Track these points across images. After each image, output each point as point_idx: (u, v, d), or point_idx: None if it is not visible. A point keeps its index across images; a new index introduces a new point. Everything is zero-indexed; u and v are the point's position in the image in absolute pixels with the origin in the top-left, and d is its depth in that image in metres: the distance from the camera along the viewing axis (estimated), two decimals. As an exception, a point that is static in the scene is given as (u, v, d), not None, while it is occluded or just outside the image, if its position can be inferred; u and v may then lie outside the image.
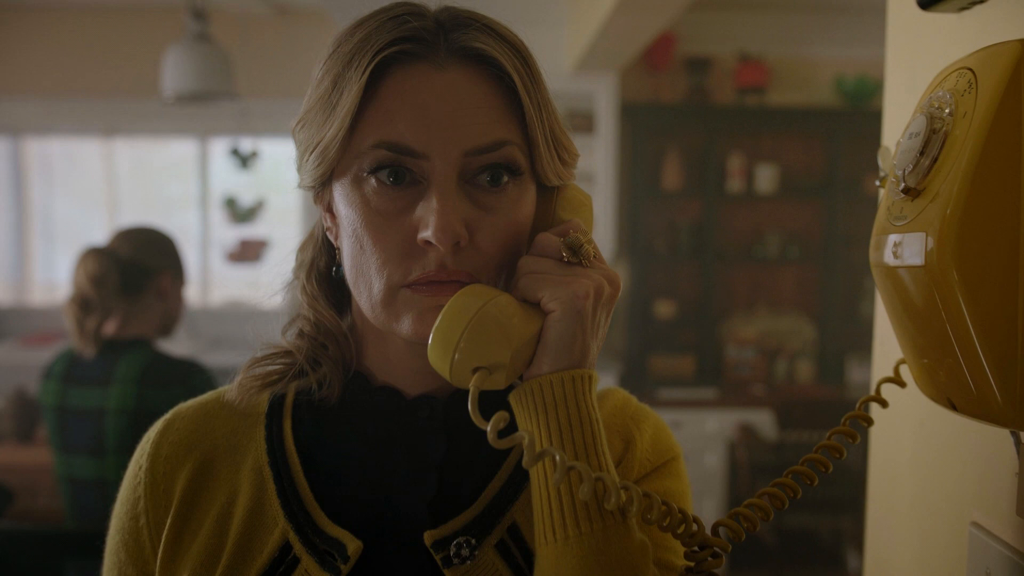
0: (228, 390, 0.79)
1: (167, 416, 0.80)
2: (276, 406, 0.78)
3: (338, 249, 0.73)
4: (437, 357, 0.64)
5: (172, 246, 2.24)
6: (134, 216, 5.04)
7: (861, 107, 4.59)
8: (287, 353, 0.78)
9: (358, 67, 0.65)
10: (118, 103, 4.89)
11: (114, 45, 4.84)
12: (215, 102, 3.36)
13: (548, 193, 0.74)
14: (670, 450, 0.81)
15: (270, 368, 0.78)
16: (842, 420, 0.73)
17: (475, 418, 0.61)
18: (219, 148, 5.09)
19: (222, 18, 4.39)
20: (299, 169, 0.73)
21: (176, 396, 0.88)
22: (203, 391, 0.84)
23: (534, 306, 0.67)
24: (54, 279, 5.15)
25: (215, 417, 0.79)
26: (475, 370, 0.64)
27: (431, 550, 0.71)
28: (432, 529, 0.72)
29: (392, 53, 0.65)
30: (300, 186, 0.74)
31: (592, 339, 0.67)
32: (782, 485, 0.72)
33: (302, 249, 0.81)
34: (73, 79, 4.86)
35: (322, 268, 0.79)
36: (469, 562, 0.71)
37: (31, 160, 5.13)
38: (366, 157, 0.66)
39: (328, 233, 0.76)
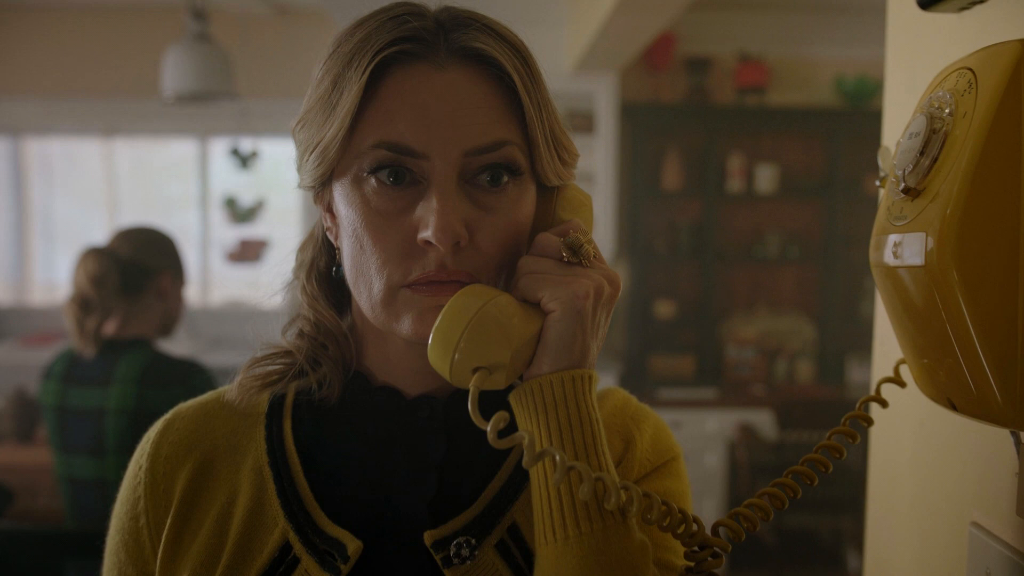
0: (228, 390, 0.79)
1: (167, 416, 0.80)
2: (276, 406, 0.78)
3: (338, 249, 0.73)
4: (437, 357, 0.64)
5: (172, 246, 2.24)
6: (134, 216, 5.04)
7: (861, 107, 4.59)
8: (287, 353, 0.78)
9: (358, 67, 0.65)
10: (118, 103, 4.89)
11: (114, 45, 4.84)
12: (215, 102, 3.36)
13: (548, 193, 0.74)
14: (670, 450, 0.81)
15: (270, 368, 0.78)
16: (842, 420, 0.73)
17: (475, 418, 0.61)
18: (219, 148, 5.09)
19: (222, 18, 4.38)
20: (299, 169, 0.73)
21: (176, 396, 0.88)
22: (203, 391, 0.84)
23: (534, 306, 0.66)
24: (54, 279, 5.15)
25: (215, 417, 0.79)
26: (475, 370, 0.63)
27: (431, 550, 0.71)
28: (432, 529, 0.71)
29: (392, 53, 0.65)
30: (300, 186, 0.74)
31: (592, 339, 0.67)
32: (782, 485, 0.72)
33: (302, 249, 0.81)
34: (73, 79, 4.86)
35: (322, 268, 0.79)
36: (469, 562, 0.71)
37: (31, 160, 5.12)
38: (366, 157, 0.66)
39: (328, 233, 0.76)
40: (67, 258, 5.14)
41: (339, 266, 0.74)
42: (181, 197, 5.21)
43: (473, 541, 0.71)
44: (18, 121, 4.97)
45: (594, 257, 0.69)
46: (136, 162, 5.22)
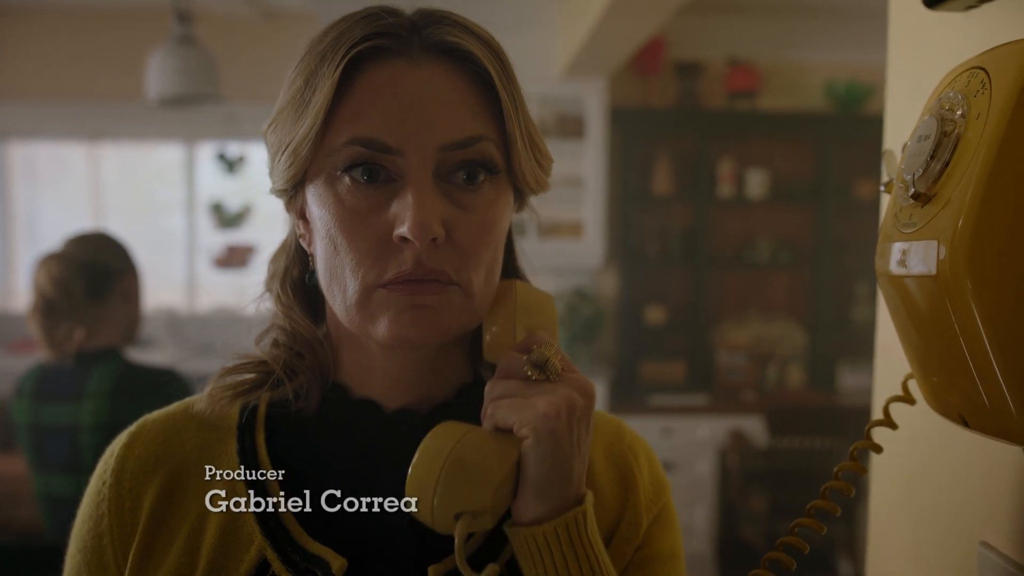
0: (197, 400, 0.75)
1: (131, 429, 0.77)
2: (248, 418, 0.75)
3: (312, 256, 0.72)
4: (416, 503, 0.62)
5: (127, 249, 2.17)
6: (121, 221, 4.99)
7: (852, 112, 4.59)
8: (261, 363, 0.76)
9: (331, 63, 0.64)
10: (104, 107, 4.84)
11: (100, 48, 4.80)
12: (199, 105, 3.32)
13: (506, 296, 0.72)
14: (664, 486, 0.80)
15: (241, 378, 0.75)
16: (849, 452, 0.70)
17: (463, 570, 0.59)
18: (206, 153, 5.05)
19: (208, 21, 4.34)
20: (271, 172, 0.71)
21: (151, 407, 0.84)
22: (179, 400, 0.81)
23: (508, 433, 0.63)
24: (38, 285, 5.09)
25: (183, 430, 0.75)
26: (458, 516, 0.60)
27: None
28: (416, 548, 0.69)
29: (366, 49, 0.64)
30: (272, 190, 0.72)
31: (574, 457, 0.64)
32: (787, 545, 0.69)
33: (274, 260, 0.79)
34: (58, 83, 4.81)
35: (296, 277, 0.77)
36: None
37: (16, 164, 5.07)
38: (339, 155, 0.64)
39: (301, 240, 0.74)
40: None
41: (313, 273, 0.72)
42: (168, 202, 5.17)
43: None
44: (3, 125, 4.92)
45: (563, 370, 0.66)
46: (122, 167, 5.17)
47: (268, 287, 0.78)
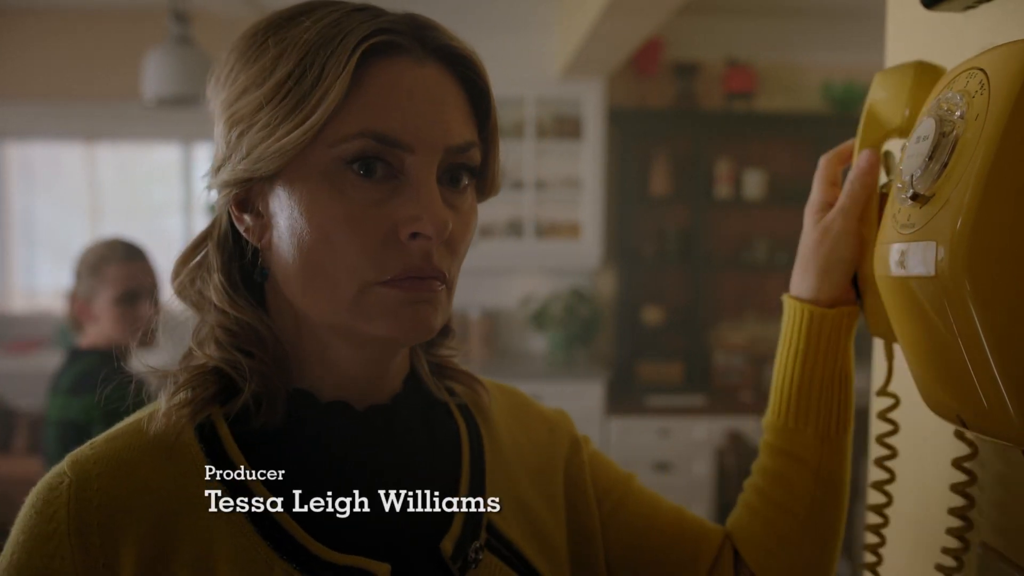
0: (148, 422, 0.67)
1: (71, 475, 0.63)
2: (210, 437, 0.67)
3: (263, 251, 0.69)
4: None
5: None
6: (117, 221, 4.98)
7: (849, 112, 4.58)
8: (214, 371, 0.69)
9: (338, 55, 0.62)
10: (101, 108, 4.83)
11: (97, 49, 4.78)
12: (197, 105, 3.31)
13: None
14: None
15: (196, 392, 0.68)
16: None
17: None
18: (203, 153, 5.04)
19: (206, 22, 4.34)
20: (230, 163, 0.66)
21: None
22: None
23: None
24: (35, 285, 5.08)
25: (141, 464, 0.65)
26: None
27: (449, 560, 0.69)
28: (435, 536, 0.70)
29: (376, 43, 0.63)
30: (224, 182, 0.67)
31: None
32: None
33: (190, 255, 0.73)
34: (55, 83, 4.80)
35: (238, 271, 0.72)
36: (479, 565, 0.70)
37: (12, 165, 5.06)
38: (344, 147, 0.63)
39: (247, 234, 0.69)
40: (48, 264, 5.08)
41: (264, 269, 0.69)
42: (165, 202, 5.16)
43: (478, 544, 0.71)
44: (-1, 125, 4.91)
45: None
46: (119, 167, 5.16)
47: (199, 283, 0.72)
